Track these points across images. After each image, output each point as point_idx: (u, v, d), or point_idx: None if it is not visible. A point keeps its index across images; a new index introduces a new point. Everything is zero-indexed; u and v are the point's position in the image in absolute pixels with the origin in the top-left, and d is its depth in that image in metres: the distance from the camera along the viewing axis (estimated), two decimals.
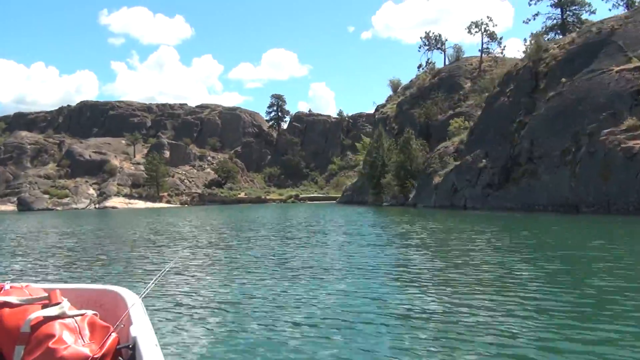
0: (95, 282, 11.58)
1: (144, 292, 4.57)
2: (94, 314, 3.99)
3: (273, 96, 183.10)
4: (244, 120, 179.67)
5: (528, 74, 57.93)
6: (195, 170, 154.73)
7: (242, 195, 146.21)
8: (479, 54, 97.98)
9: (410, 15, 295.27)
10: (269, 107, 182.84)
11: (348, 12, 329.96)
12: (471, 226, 32.23)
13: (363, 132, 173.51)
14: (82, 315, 3.89)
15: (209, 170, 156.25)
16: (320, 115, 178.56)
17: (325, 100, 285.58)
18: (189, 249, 21.03)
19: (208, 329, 8.50)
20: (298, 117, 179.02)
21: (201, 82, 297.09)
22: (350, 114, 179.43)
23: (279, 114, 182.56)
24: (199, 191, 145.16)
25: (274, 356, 7.16)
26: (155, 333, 4.05)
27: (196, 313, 9.50)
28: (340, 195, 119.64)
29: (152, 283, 4.69)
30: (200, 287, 12.25)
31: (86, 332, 3.79)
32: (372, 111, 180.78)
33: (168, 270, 5.98)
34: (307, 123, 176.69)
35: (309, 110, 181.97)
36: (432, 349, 7.38)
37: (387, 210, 65.83)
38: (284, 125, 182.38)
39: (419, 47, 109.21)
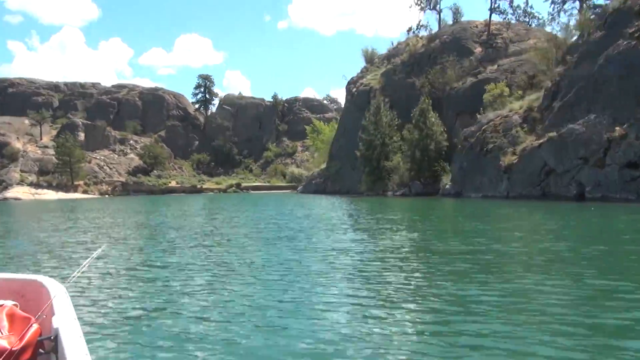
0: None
1: (69, 281, 4.34)
2: (13, 304, 3.81)
3: (200, 77, 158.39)
4: (168, 102, 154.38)
5: None
6: (116, 156, 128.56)
7: (173, 183, 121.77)
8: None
9: (326, 6, 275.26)
10: (196, 88, 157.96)
11: (264, 0, 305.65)
12: None
13: (300, 117, 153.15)
14: (0, 306, 3.67)
15: (132, 155, 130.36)
16: (254, 98, 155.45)
17: (241, 89, 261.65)
18: (117, 238, 18.62)
19: (136, 318, 7.77)
20: (229, 100, 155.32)
21: (109, 66, 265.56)
22: (286, 98, 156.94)
23: (207, 96, 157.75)
24: (122, 179, 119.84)
25: (203, 343, 6.63)
26: (81, 324, 3.78)
27: (124, 303, 8.70)
28: (297, 184, 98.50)
29: (78, 272, 4.35)
30: (130, 276, 11.02)
31: (4, 323, 3.55)
32: (309, 95, 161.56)
33: (95, 259, 5.05)
34: (239, 106, 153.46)
35: (239, 93, 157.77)
36: None
37: (424, 204, 44.91)
38: (213, 109, 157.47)
39: (410, 7, 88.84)
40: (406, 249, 15.47)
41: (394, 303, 8.70)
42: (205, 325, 7.47)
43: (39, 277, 4.68)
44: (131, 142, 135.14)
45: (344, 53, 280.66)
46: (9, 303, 3.75)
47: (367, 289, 9.89)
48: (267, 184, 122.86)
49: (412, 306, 8.55)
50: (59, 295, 4.12)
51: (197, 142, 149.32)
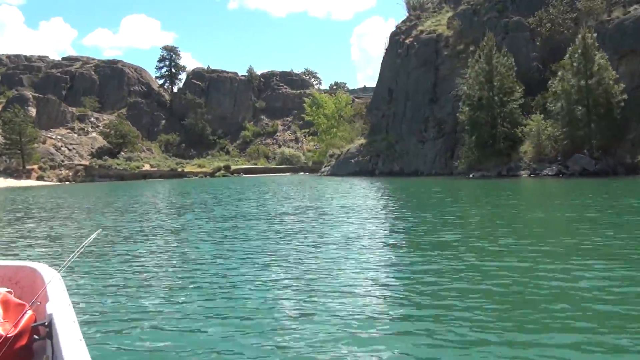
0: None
1: (63, 268, 4.09)
2: (7, 291, 3.65)
3: (165, 49, 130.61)
4: (128, 76, 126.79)
5: None
6: (75, 135, 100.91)
7: (147, 167, 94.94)
8: None
9: None
10: (160, 61, 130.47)
11: None
12: None
13: (279, 92, 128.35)
14: None
15: (95, 135, 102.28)
16: (226, 72, 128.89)
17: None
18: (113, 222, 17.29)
19: (131, 303, 7.18)
20: (198, 74, 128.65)
21: (51, 47, 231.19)
22: (261, 72, 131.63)
23: (172, 70, 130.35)
24: (85, 162, 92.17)
25: (200, 328, 6.15)
26: (75, 309, 3.59)
27: (119, 287, 8.07)
28: (290, 166, 75.44)
29: (72, 258, 4.01)
30: (125, 260, 10.17)
31: None
32: (286, 69, 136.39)
33: (90, 244, 4.46)
34: (210, 81, 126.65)
35: (208, 67, 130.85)
36: None
37: None
38: (180, 85, 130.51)
39: None
40: None
41: None
42: (204, 308, 6.91)
43: (33, 264, 4.42)
44: (92, 119, 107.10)
45: (296, 35, 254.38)
46: (2, 290, 3.54)
47: None
48: (262, 167, 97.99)
49: None
50: (53, 281, 3.85)
51: (163, 121, 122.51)
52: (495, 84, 44.50)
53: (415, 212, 19.58)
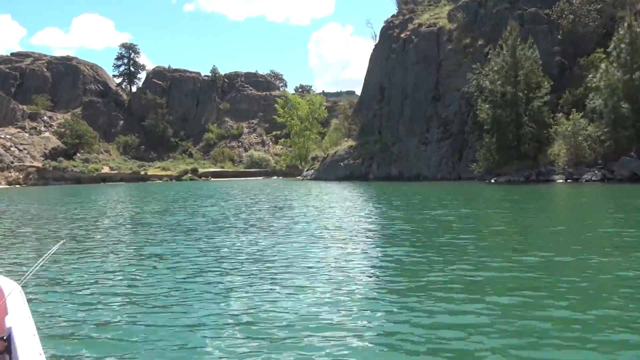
0: None
1: (24, 279, 3.97)
2: None
3: (123, 46, 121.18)
4: (84, 74, 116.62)
5: None
6: (26, 135, 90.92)
7: (106, 169, 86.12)
8: None
9: None
10: (117, 59, 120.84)
11: None
12: None
13: (244, 94, 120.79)
14: None
15: (48, 134, 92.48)
16: (188, 72, 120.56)
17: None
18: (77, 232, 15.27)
19: (93, 316, 6.80)
20: (159, 73, 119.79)
21: None
22: (225, 73, 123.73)
23: (131, 68, 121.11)
24: (38, 164, 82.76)
25: (161, 342, 5.84)
26: (36, 322, 3.46)
27: (82, 300, 7.55)
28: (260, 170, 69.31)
29: (34, 269, 3.86)
30: (88, 272, 9.49)
31: None
32: (251, 70, 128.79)
33: (51, 255, 4.28)
34: (172, 81, 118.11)
35: (169, 67, 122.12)
36: None
37: None
38: (140, 85, 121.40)
39: None
40: None
41: None
42: (167, 320, 6.57)
43: None
44: (45, 118, 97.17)
45: (254, 39, 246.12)
46: None
47: None
48: (231, 170, 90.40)
49: None
50: (12, 293, 3.69)
51: (121, 122, 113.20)
52: (520, 78, 38.85)
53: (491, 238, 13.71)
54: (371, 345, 5.62)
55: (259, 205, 25.39)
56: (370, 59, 62.14)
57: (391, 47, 56.52)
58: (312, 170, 63.02)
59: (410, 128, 51.04)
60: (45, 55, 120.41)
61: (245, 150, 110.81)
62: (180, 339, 5.87)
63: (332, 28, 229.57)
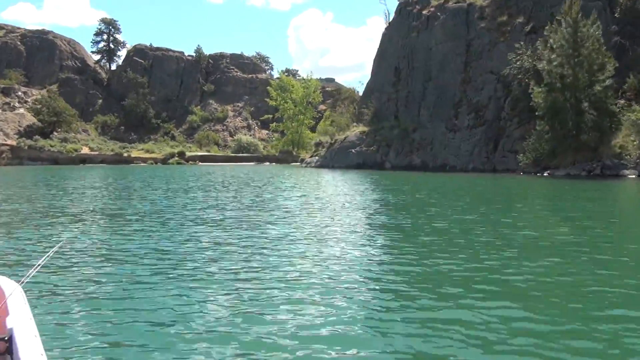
0: None
1: (25, 279, 3.79)
2: None
3: (102, 21, 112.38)
4: (60, 49, 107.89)
5: None
6: None
7: (85, 150, 78.48)
8: None
9: None
10: (96, 34, 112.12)
11: None
12: None
13: (230, 76, 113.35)
14: None
15: (22, 111, 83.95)
16: (171, 50, 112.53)
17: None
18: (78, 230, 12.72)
19: (96, 316, 6.20)
20: (140, 51, 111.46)
21: None
22: (210, 53, 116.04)
23: (111, 45, 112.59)
24: (11, 142, 74.90)
25: (167, 345, 5.29)
26: (37, 323, 3.39)
27: (85, 300, 6.86)
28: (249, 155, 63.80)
29: (35, 269, 3.75)
30: (92, 271, 8.44)
31: None
32: (237, 52, 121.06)
33: (54, 254, 4.30)
34: (154, 59, 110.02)
35: (150, 45, 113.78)
36: None
37: None
38: (119, 62, 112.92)
39: None
40: None
41: None
42: (170, 321, 5.97)
43: None
44: (19, 93, 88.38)
45: (234, 23, 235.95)
46: None
47: None
48: (221, 155, 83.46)
49: None
50: (13, 294, 3.56)
51: (100, 101, 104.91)
52: (582, 58, 33.21)
53: None
54: None
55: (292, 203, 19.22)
56: (383, 38, 55.81)
57: (410, 25, 50.37)
58: (317, 157, 56.70)
59: (435, 113, 45.23)
60: (19, 28, 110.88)
61: (231, 134, 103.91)
62: (187, 342, 5.30)
63: (312, 14, 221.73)
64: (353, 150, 50.61)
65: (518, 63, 38.45)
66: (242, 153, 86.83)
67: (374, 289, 7.22)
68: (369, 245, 10.38)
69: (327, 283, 7.42)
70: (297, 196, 21.26)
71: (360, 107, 54.17)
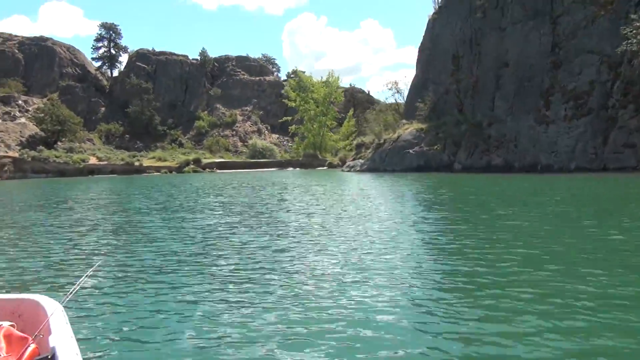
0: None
1: (65, 299, 3.79)
2: (10, 325, 3.29)
3: (102, 26, 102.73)
4: (60, 57, 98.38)
5: None
6: None
7: (93, 160, 69.21)
8: None
9: None
10: (97, 40, 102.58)
11: None
12: None
13: (236, 79, 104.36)
14: None
15: (24, 120, 74.39)
16: (175, 54, 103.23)
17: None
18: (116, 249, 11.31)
19: (136, 335, 5.68)
20: (143, 56, 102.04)
21: None
22: (215, 56, 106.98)
23: (112, 51, 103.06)
24: (14, 154, 65.57)
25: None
26: (78, 342, 3.29)
27: (124, 319, 6.25)
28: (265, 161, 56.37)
29: (75, 289, 3.78)
30: (130, 290, 7.55)
31: (2, 344, 3.09)
32: (242, 54, 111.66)
33: (92, 274, 4.38)
34: (158, 64, 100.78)
35: (153, 49, 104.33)
36: None
37: None
38: (121, 68, 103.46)
39: None
40: None
41: None
42: (216, 337, 5.41)
43: (35, 296, 3.95)
44: (20, 102, 78.69)
45: (228, 29, 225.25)
46: (6, 324, 3.19)
47: None
48: (240, 161, 74.51)
49: None
50: (55, 313, 3.51)
51: (103, 109, 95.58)
52: None
53: None
54: None
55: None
56: (433, 24, 47.25)
57: (473, 4, 41.87)
58: (362, 160, 48.02)
59: (517, 104, 36.82)
60: (16, 36, 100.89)
61: (241, 139, 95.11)
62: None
63: (306, 18, 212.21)
64: (411, 151, 42.07)
65: (635, 40, 30.13)
66: (258, 158, 77.99)
67: None
68: None
69: None
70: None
71: (415, 102, 45.51)
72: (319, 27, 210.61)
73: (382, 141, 46.22)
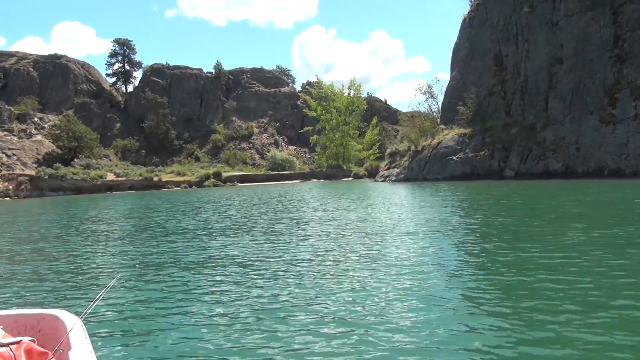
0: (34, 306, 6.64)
1: (84, 314, 3.53)
2: (31, 340, 3.08)
3: (116, 42, 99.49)
4: (75, 74, 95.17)
5: None
6: (15, 138, 68.97)
7: (111, 177, 65.46)
8: None
9: None
10: (111, 56, 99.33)
11: None
12: None
13: (252, 91, 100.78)
14: (18, 342, 2.97)
15: (40, 138, 70.90)
16: (189, 68, 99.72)
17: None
18: (134, 263, 10.70)
19: (156, 350, 5.35)
20: (157, 70, 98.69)
21: None
22: (230, 69, 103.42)
23: (127, 66, 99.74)
24: (31, 172, 62.02)
25: None
26: (98, 357, 3.22)
27: (143, 332, 5.93)
28: (284, 173, 54.15)
29: (94, 303, 3.55)
30: (150, 305, 7.12)
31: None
32: (256, 66, 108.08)
33: (111, 288, 4.16)
34: (173, 78, 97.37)
35: (167, 63, 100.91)
36: None
37: None
38: (135, 84, 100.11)
39: None
40: None
41: None
42: (240, 350, 5.10)
43: (55, 311, 3.80)
44: (35, 119, 75.18)
45: (237, 44, 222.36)
46: (26, 339, 3.00)
47: None
48: (262, 174, 70.49)
49: None
50: (75, 328, 3.38)
51: (118, 125, 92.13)
52: None
53: None
54: None
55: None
56: (469, 22, 43.29)
57: None
58: (398, 169, 43.91)
59: (575, 104, 32.68)
60: (30, 55, 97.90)
61: (258, 152, 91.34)
62: None
63: (315, 31, 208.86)
64: (454, 158, 37.94)
65: None
66: (278, 170, 74.03)
67: None
68: None
69: None
70: None
71: (454, 106, 41.41)
72: (328, 39, 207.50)
73: (419, 148, 42.13)
